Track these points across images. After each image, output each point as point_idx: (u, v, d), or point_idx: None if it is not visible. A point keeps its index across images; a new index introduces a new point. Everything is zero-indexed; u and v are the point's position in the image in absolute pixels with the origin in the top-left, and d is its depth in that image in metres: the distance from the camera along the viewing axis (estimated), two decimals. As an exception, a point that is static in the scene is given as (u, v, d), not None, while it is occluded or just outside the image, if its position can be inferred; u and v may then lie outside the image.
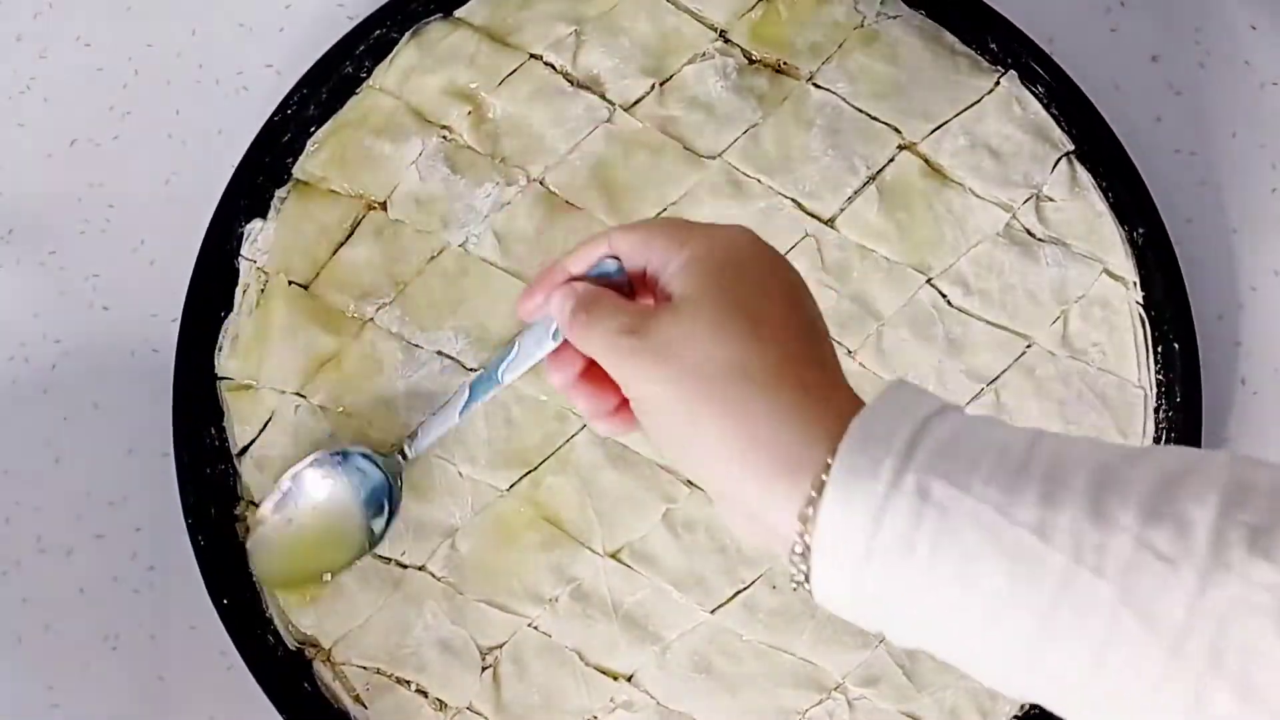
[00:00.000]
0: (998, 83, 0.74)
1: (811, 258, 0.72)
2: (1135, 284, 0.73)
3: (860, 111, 0.73)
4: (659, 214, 0.72)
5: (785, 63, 0.74)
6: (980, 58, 0.74)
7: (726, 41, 0.74)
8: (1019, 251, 0.72)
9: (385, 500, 0.69)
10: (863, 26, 0.74)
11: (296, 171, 0.73)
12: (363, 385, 0.72)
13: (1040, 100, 0.74)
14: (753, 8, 0.74)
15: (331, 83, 0.74)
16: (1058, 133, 0.73)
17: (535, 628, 0.70)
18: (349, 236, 0.73)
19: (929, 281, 0.72)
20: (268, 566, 0.70)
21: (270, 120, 0.73)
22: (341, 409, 0.71)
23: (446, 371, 0.72)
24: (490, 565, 0.70)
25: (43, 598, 0.74)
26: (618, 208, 0.72)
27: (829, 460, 0.44)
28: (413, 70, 0.74)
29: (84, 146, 0.77)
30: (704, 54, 0.74)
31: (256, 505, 0.71)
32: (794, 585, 0.47)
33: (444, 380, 0.71)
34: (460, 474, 0.71)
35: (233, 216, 0.72)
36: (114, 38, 0.78)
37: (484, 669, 0.70)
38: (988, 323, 0.72)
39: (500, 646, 0.70)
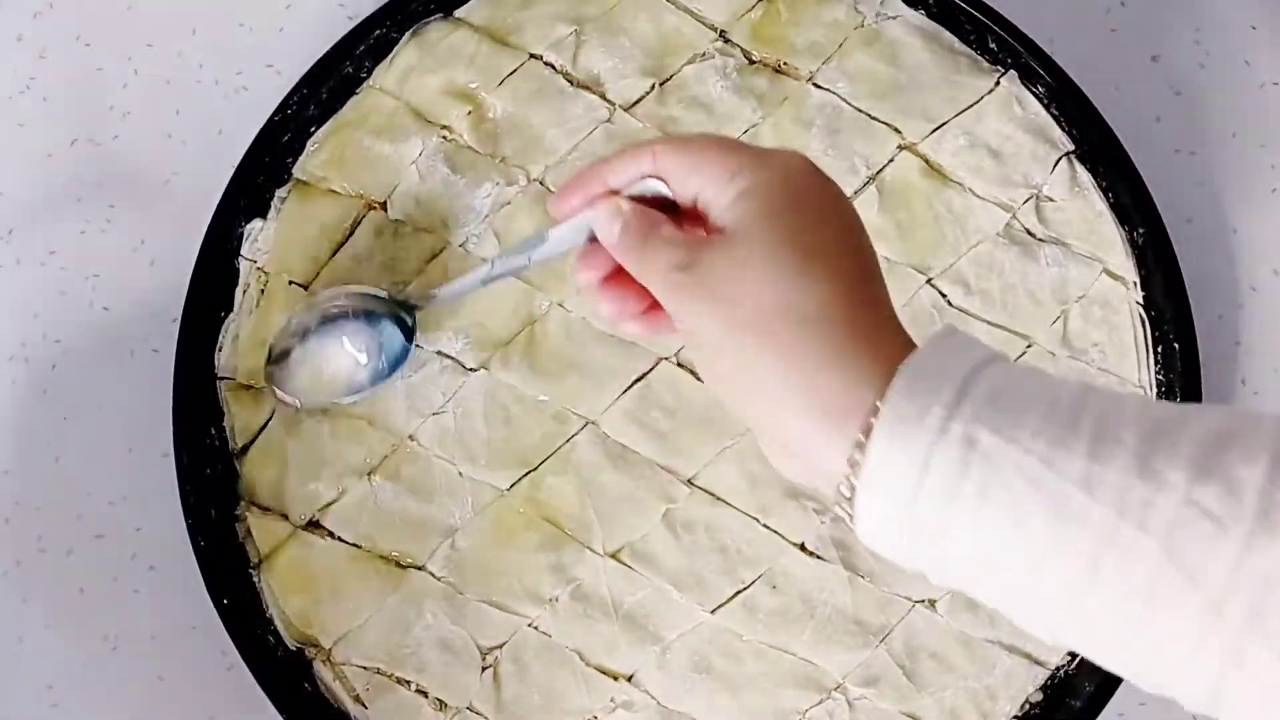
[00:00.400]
0: (998, 83, 0.74)
1: (811, 258, 0.72)
2: (1135, 284, 0.73)
3: (860, 111, 0.74)
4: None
5: (785, 63, 0.74)
6: (980, 58, 0.74)
7: (726, 41, 0.74)
8: (1019, 251, 0.72)
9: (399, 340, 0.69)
10: (863, 26, 0.74)
11: (296, 171, 0.73)
12: (363, 385, 0.72)
13: (1040, 100, 0.74)
14: (753, 8, 0.74)
15: (331, 83, 0.74)
16: (1058, 133, 0.73)
17: (535, 628, 0.70)
18: (349, 236, 0.73)
19: (929, 281, 0.72)
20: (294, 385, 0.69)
21: (270, 120, 0.73)
22: (341, 409, 0.71)
23: (446, 371, 0.72)
24: (490, 565, 0.70)
25: (43, 598, 0.74)
26: (618, 208, 0.72)
27: (878, 404, 0.44)
28: (413, 70, 0.74)
29: (84, 146, 0.77)
30: (704, 54, 0.74)
31: (257, 506, 0.71)
32: (840, 517, 0.47)
33: (444, 380, 0.71)
34: (460, 474, 0.71)
35: (233, 216, 0.72)
36: (114, 38, 0.78)
37: (484, 669, 0.70)
38: (988, 323, 0.72)
39: (500, 646, 0.70)
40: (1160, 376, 0.72)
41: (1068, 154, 0.73)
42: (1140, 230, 0.72)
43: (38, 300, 0.76)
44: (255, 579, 0.71)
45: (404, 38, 0.74)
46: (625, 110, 0.73)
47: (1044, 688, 0.70)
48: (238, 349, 0.72)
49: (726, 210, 0.49)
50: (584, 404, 0.71)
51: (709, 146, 0.51)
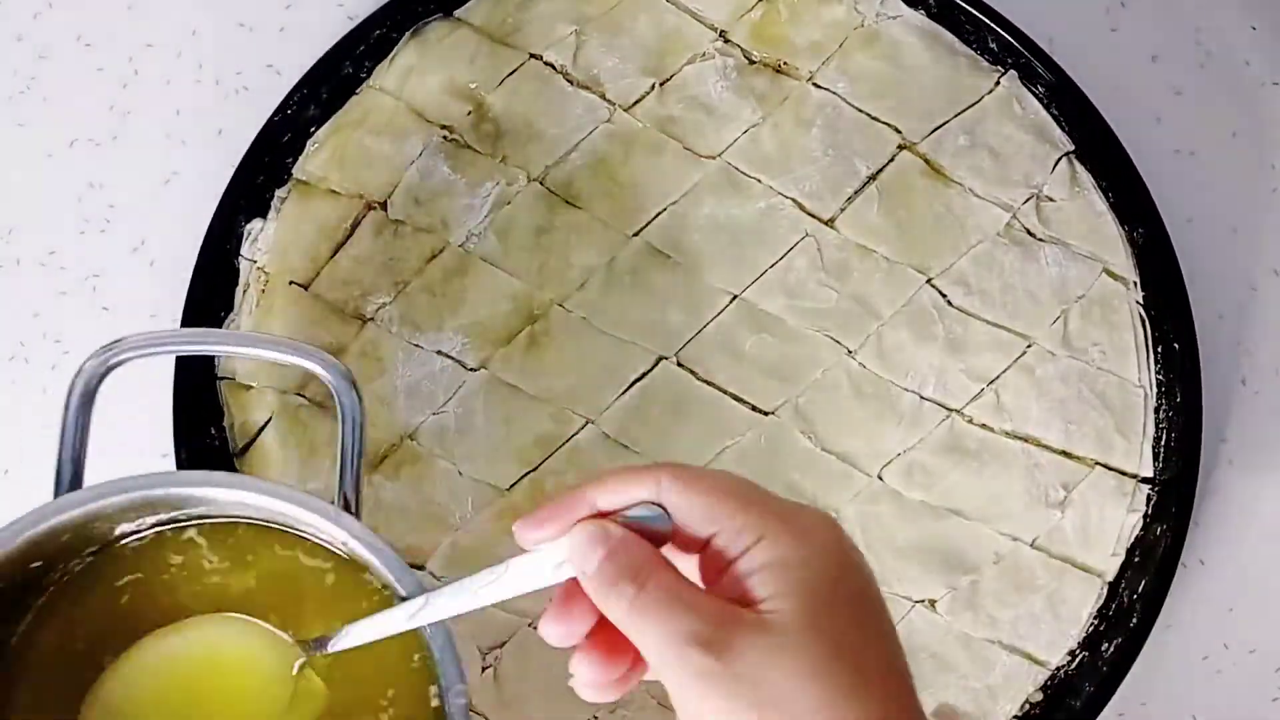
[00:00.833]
0: (998, 83, 0.74)
1: (811, 258, 0.72)
2: (1135, 284, 0.73)
3: (860, 111, 0.74)
4: (659, 213, 0.72)
5: (785, 63, 0.74)
6: (980, 58, 0.74)
7: (726, 41, 0.74)
8: (1019, 251, 0.72)
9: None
10: (863, 26, 0.74)
11: (296, 171, 0.73)
12: (363, 385, 0.71)
13: (1040, 100, 0.74)
14: (753, 8, 0.74)
15: (331, 83, 0.74)
16: (1058, 133, 0.74)
17: (535, 628, 0.70)
18: (349, 236, 0.73)
19: (929, 281, 0.72)
20: None
21: (270, 120, 0.73)
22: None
23: (446, 371, 0.72)
24: (490, 565, 0.70)
25: (42, 598, 0.74)
26: (618, 207, 0.72)
27: None
28: (413, 70, 0.74)
29: (84, 146, 0.77)
30: (704, 54, 0.74)
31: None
32: None
33: (444, 380, 0.71)
34: (460, 473, 0.71)
35: (233, 216, 0.72)
36: (114, 38, 0.78)
37: (484, 669, 0.70)
38: (988, 323, 0.72)
39: (501, 646, 0.70)
40: (1160, 376, 0.72)
41: (1068, 154, 0.73)
42: (1140, 230, 0.72)
43: (38, 300, 0.76)
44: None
45: (404, 38, 0.74)
46: (625, 110, 0.73)
47: (1044, 688, 0.70)
48: (238, 349, 0.72)
49: (761, 580, 0.42)
50: (584, 404, 0.71)
51: (726, 487, 0.44)
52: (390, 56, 0.74)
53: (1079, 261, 0.73)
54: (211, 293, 0.72)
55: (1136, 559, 0.71)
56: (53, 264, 0.76)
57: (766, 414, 0.71)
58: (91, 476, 0.74)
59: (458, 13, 0.75)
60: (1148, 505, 0.71)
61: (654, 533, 0.44)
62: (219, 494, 0.55)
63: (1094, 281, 0.73)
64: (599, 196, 0.73)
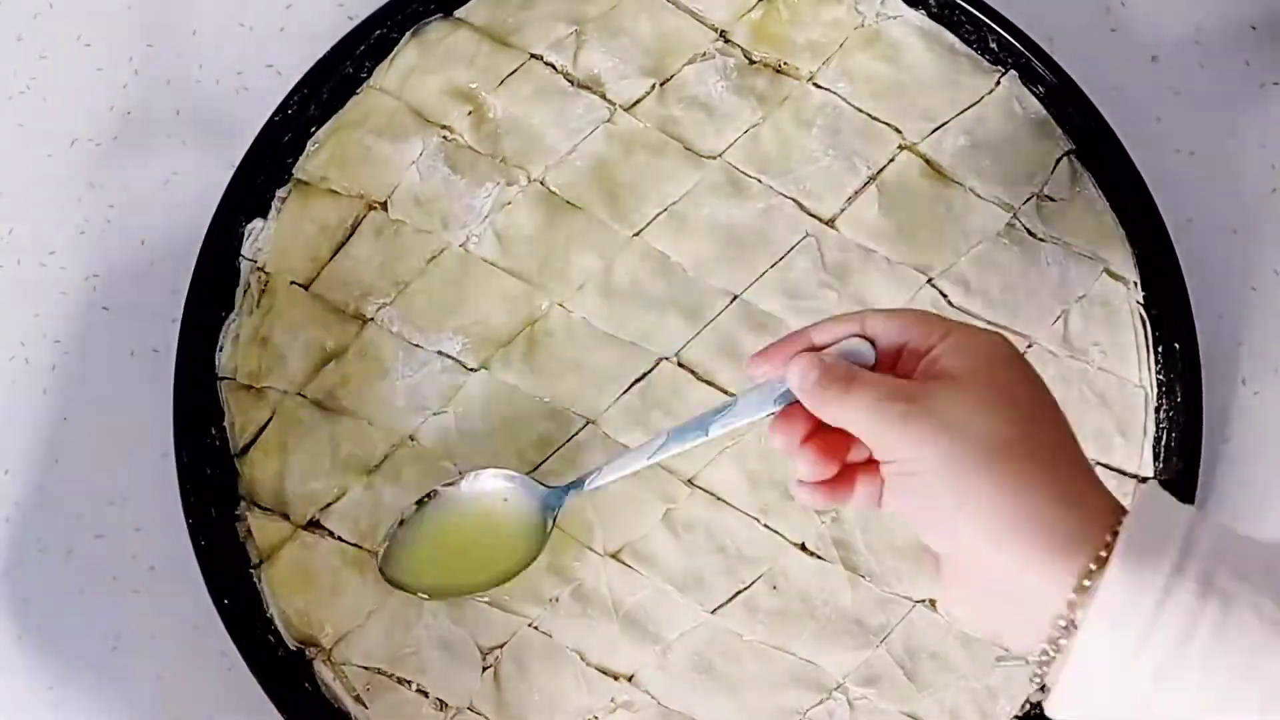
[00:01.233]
0: (998, 83, 0.74)
1: (812, 258, 0.72)
2: (1135, 284, 0.73)
3: (860, 111, 0.74)
4: (659, 214, 0.72)
5: (785, 63, 0.74)
6: (981, 58, 0.74)
7: (727, 41, 0.74)
8: (1019, 251, 0.72)
9: (542, 521, 0.68)
10: (863, 26, 0.74)
11: (297, 171, 0.73)
12: (363, 385, 0.72)
13: (1040, 100, 0.74)
14: (753, 8, 0.74)
15: (332, 83, 0.74)
16: (1058, 133, 0.74)
17: (536, 628, 0.70)
18: (349, 236, 0.73)
19: (929, 281, 0.72)
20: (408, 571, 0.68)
21: (270, 120, 0.73)
22: (342, 409, 0.71)
23: (447, 371, 0.72)
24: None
25: (43, 598, 0.74)
26: (618, 208, 0.72)
27: (1108, 539, 0.46)
28: (413, 70, 0.74)
29: (84, 146, 0.77)
30: (704, 54, 0.74)
31: (257, 506, 0.71)
32: (1033, 680, 0.48)
33: (444, 380, 0.71)
34: (460, 474, 0.71)
35: (233, 216, 0.72)
36: (114, 38, 0.78)
37: (484, 669, 0.70)
38: (988, 322, 0.72)
39: (501, 646, 0.70)
40: (1160, 376, 0.72)
41: (1068, 154, 0.73)
42: (1140, 230, 0.72)
43: (38, 300, 0.76)
44: (255, 579, 0.71)
45: (404, 38, 0.74)
46: (625, 110, 0.73)
47: (1045, 688, 0.70)
48: (238, 349, 0.72)
49: (943, 354, 0.52)
50: (584, 404, 0.71)
51: (920, 314, 0.54)
52: (390, 56, 0.74)
53: (1079, 261, 0.73)
54: (211, 293, 0.72)
55: (1136, 559, 0.71)
56: (53, 264, 0.76)
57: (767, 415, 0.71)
58: (91, 476, 0.74)
59: (458, 13, 0.75)
60: (1148, 505, 0.71)
61: (860, 358, 0.54)
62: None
63: (1094, 281, 0.73)
64: (599, 197, 0.72)
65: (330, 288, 0.72)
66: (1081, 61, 0.74)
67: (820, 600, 0.70)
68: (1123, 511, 0.48)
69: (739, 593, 0.70)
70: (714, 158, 0.73)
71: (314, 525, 0.71)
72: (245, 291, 0.72)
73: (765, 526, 0.70)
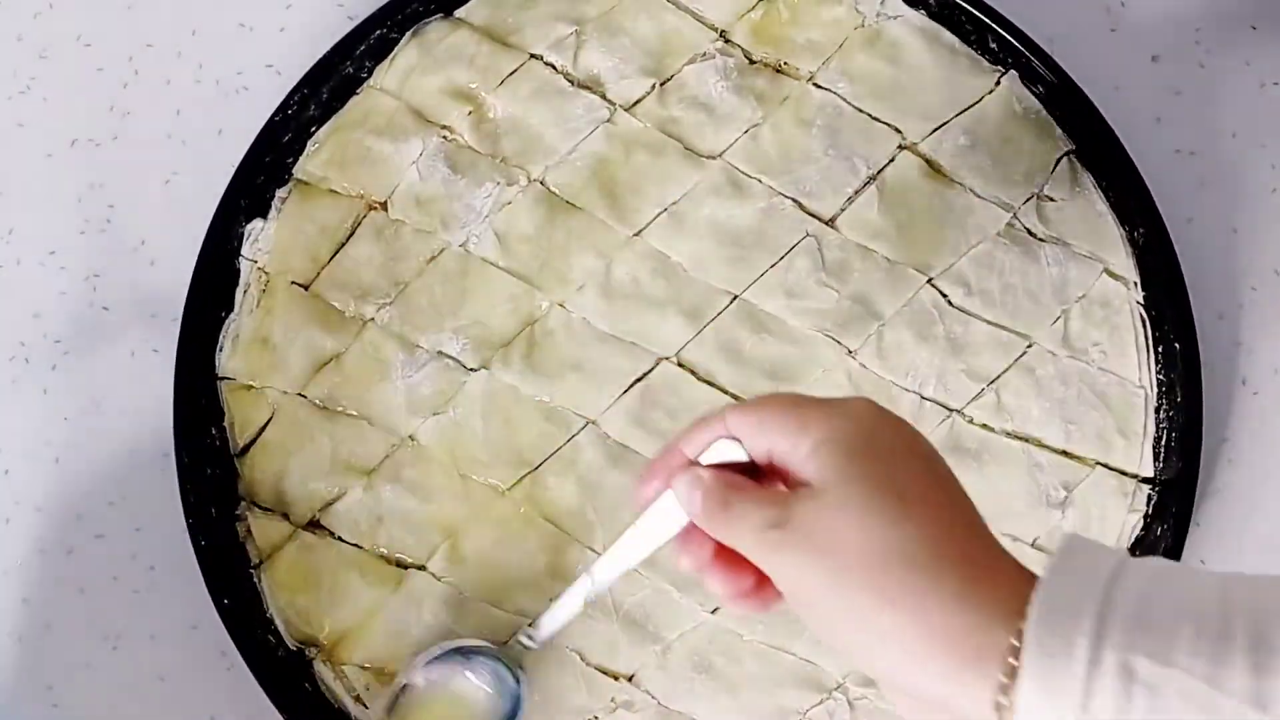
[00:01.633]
0: (998, 83, 0.74)
1: (812, 258, 0.72)
2: (1136, 284, 0.73)
3: (860, 111, 0.74)
4: (659, 214, 0.72)
5: (785, 63, 0.74)
6: (980, 58, 0.74)
7: (727, 41, 0.74)
8: (1019, 251, 0.72)
9: (514, 692, 0.68)
10: (863, 26, 0.74)
11: (297, 171, 0.73)
12: (363, 385, 0.72)
13: (1040, 100, 0.74)
14: (753, 8, 0.74)
15: (332, 83, 0.74)
16: (1058, 133, 0.74)
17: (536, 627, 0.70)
18: (349, 236, 0.73)
19: (929, 281, 0.72)
20: None
21: (270, 120, 0.73)
22: (342, 409, 0.71)
23: (446, 371, 0.72)
24: (490, 565, 0.70)
25: (43, 598, 0.74)
26: (618, 208, 0.72)
27: (1013, 642, 0.43)
28: (413, 70, 0.74)
29: (84, 146, 0.77)
30: (704, 54, 0.74)
31: (257, 506, 0.71)
32: None
33: (444, 380, 0.71)
34: (460, 474, 0.71)
35: (233, 216, 0.72)
36: (114, 38, 0.78)
37: (484, 669, 0.70)
38: (988, 323, 0.72)
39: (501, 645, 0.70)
40: (1160, 376, 0.72)
41: (1068, 154, 0.73)
42: (1140, 230, 0.72)
43: (38, 300, 0.76)
44: (255, 579, 0.71)
45: (404, 38, 0.74)
46: (625, 110, 0.73)
47: None
48: (238, 349, 0.72)
49: (806, 460, 0.48)
50: (584, 404, 0.71)
51: (774, 402, 0.51)
52: (390, 56, 0.74)
53: (1079, 261, 0.73)
54: (211, 293, 0.72)
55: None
56: (53, 264, 0.76)
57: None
58: (91, 476, 0.74)
59: (458, 13, 0.75)
60: (1148, 505, 0.71)
61: (734, 463, 0.52)
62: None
63: (1094, 281, 0.73)
64: (599, 197, 0.72)
65: (330, 288, 0.72)
66: (1081, 61, 0.74)
67: (820, 600, 0.70)
68: (1033, 581, 0.45)
69: (739, 593, 0.70)
70: (714, 158, 0.73)
71: (314, 525, 0.71)
72: (245, 292, 0.72)
73: (765, 526, 0.70)
